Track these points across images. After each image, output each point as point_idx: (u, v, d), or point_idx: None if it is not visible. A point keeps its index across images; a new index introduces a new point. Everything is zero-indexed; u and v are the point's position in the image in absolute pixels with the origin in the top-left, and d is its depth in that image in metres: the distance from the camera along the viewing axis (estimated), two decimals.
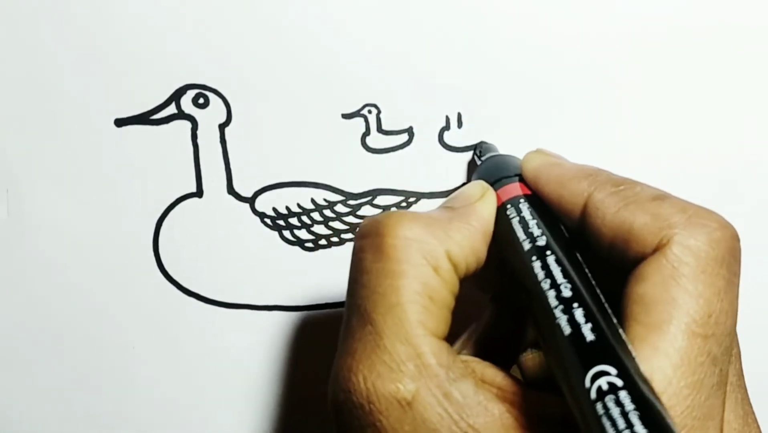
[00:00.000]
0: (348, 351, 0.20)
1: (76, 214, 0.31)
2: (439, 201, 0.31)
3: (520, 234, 0.22)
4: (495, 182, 0.25)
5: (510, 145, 0.30)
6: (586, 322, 0.18)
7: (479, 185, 0.24)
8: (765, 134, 0.31)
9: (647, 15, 0.30)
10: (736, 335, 0.21)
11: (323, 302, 0.32)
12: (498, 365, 0.23)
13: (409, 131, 0.31)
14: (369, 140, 0.31)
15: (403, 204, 0.31)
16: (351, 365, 0.20)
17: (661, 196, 0.20)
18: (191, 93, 0.30)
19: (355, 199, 0.31)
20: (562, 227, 0.23)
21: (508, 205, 0.23)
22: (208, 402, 0.32)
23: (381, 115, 0.30)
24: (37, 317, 0.32)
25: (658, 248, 0.19)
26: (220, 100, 0.30)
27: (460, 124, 0.30)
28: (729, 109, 0.31)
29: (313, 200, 0.31)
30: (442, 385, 0.19)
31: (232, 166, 0.31)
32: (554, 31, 0.30)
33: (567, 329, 0.18)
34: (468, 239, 0.22)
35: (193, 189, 0.31)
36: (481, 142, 0.30)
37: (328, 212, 0.31)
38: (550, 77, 0.30)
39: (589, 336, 0.18)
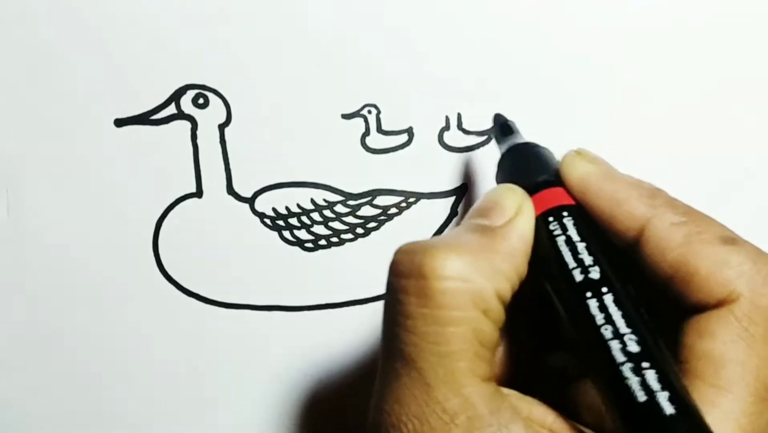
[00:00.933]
0: (394, 398, 0.19)
1: (75, 214, 0.31)
2: (439, 201, 0.31)
3: (569, 260, 0.19)
4: (530, 184, 0.22)
5: None
6: (663, 389, 0.16)
7: (513, 193, 0.22)
8: (766, 135, 0.31)
9: (648, 14, 0.30)
10: None
11: (323, 302, 0.32)
12: (519, 371, 0.23)
13: (409, 131, 0.31)
14: (369, 140, 0.31)
15: (403, 204, 0.31)
16: (399, 414, 0.19)
17: (729, 240, 0.19)
18: (191, 93, 0.30)
19: (355, 200, 0.31)
20: (613, 254, 0.20)
21: (551, 219, 0.21)
22: (208, 402, 0.32)
23: (381, 115, 0.30)
24: (37, 317, 0.32)
25: (725, 302, 0.18)
26: (219, 101, 0.30)
27: (460, 124, 0.30)
28: (729, 108, 0.31)
29: (312, 200, 0.31)
30: None
31: (231, 166, 0.31)
32: (555, 30, 0.30)
33: (641, 396, 0.16)
34: (513, 266, 0.20)
35: (193, 189, 0.31)
36: (497, 116, 0.28)
37: (327, 213, 0.31)
38: (551, 77, 0.30)
39: (668, 409, 0.16)
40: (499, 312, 0.20)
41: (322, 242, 0.31)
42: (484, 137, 0.30)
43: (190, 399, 0.32)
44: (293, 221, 0.31)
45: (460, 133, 0.30)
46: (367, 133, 0.30)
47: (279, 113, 0.30)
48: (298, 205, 0.31)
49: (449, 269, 0.19)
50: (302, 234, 0.31)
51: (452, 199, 0.31)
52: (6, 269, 0.31)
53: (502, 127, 0.27)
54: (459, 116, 0.30)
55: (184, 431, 0.33)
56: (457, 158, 0.31)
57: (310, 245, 0.31)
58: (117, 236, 0.31)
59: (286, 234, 0.31)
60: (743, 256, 0.19)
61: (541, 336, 0.24)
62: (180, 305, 0.32)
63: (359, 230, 0.31)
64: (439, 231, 0.31)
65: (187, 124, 0.30)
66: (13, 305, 0.32)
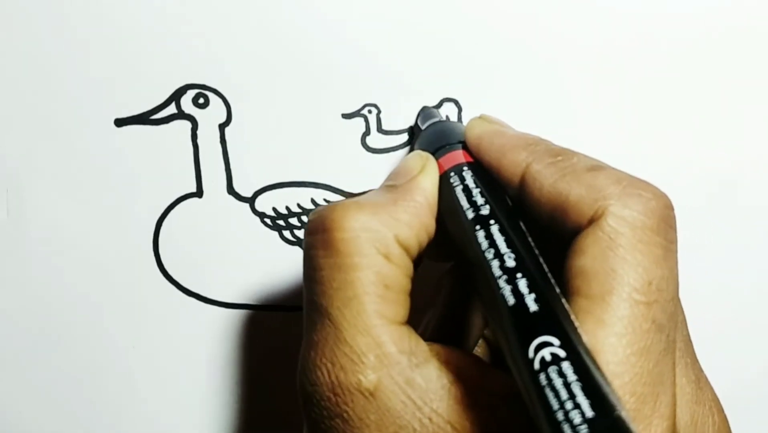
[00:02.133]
0: (311, 345, 0.20)
1: (76, 214, 0.31)
2: None
3: (464, 202, 0.21)
4: (437, 150, 0.24)
5: None
6: (530, 292, 0.18)
7: (418, 156, 0.24)
8: (765, 134, 0.31)
9: (648, 13, 0.30)
10: (680, 301, 0.21)
11: None
12: (465, 342, 0.24)
13: (410, 131, 0.31)
14: (369, 140, 0.31)
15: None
16: (314, 359, 0.20)
17: (596, 167, 0.20)
18: (191, 93, 0.30)
19: None
20: (506, 197, 0.22)
21: (451, 174, 0.23)
22: (208, 402, 0.32)
23: (381, 115, 0.30)
24: (37, 317, 0.32)
25: (593, 220, 0.19)
26: (220, 100, 0.30)
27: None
28: (730, 108, 0.31)
29: (313, 200, 0.31)
30: (404, 372, 0.19)
31: (232, 166, 0.31)
32: (554, 31, 0.30)
33: (511, 300, 0.18)
34: (415, 217, 0.21)
35: (193, 189, 0.31)
36: (423, 108, 0.30)
37: None
38: (551, 78, 0.30)
39: (533, 306, 0.18)
40: (402, 257, 0.21)
41: None
42: None
43: (190, 399, 0.32)
44: (293, 220, 0.31)
45: None
46: (367, 132, 0.30)
47: (279, 113, 0.30)
48: (299, 205, 0.31)
49: (350, 220, 0.20)
50: (302, 234, 0.31)
51: None
52: (6, 269, 0.31)
53: (424, 113, 0.29)
54: (459, 116, 0.30)
55: (184, 431, 0.33)
56: None
57: None
58: (117, 235, 0.31)
59: (287, 234, 0.31)
60: (608, 178, 0.20)
61: (473, 300, 0.26)
62: (180, 305, 0.32)
63: None
64: None
65: (188, 124, 0.30)
66: (13, 305, 0.32)
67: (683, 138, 0.31)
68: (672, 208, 0.20)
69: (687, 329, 0.22)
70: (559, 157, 0.21)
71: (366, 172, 0.31)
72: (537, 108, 0.30)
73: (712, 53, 0.30)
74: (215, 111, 0.30)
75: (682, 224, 0.20)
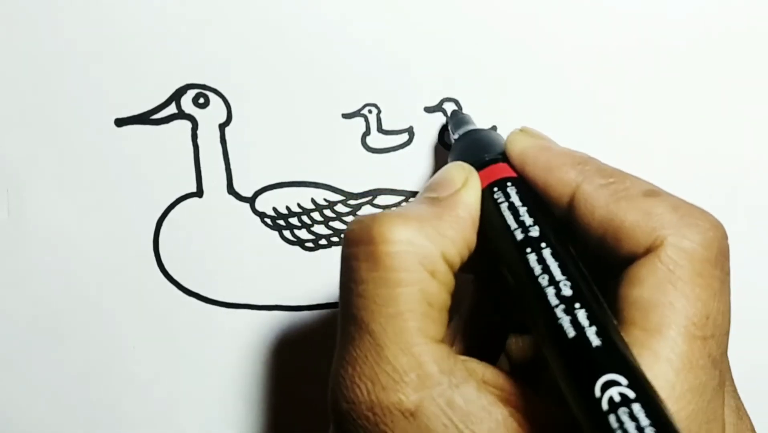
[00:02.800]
0: (348, 361, 0.20)
1: (76, 214, 0.31)
2: None
3: (511, 222, 0.21)
4: (477, 162, 0.24)
5: None
6: (590, 324, 0.17)
7: (461, 169, 0.23)
8: (766, 135, 0.31)
9: (648, 14, 0.30)
10: None
11: (323, 302, 0.32)
12: (487, 352, 0.24)
13: (410, 131, 0.31)
14: (369, 140, 0.31)
15: (404, 204, 0.31)
16: (353, 376, 0.19)
17: (651, 192, 0.20)
18: (191, 93, 0.30)
19: (356, 199, 0.31)
20: (554, 217, 0.22)
21: (495, 189, 0.22)
22: (208, 402, 0.32)
23: (381, 115, 0.30)
24: (37, 317, 0.32)
25: (651, 249, 0.19)
26: (220, 100, 0.30)
27: None
28: (730, 110, 0.31)
29: (313, 200, 0.31)
30: (445, 393, 0.19)
31: (232, 166, 0.31)
32: (555, 32, 0.30)
33: (571, 332, 0.17)
34: (460, 232, 0.21)
35: (194, 189, 0.31)
36: (455, 112, 0.30)
37: (328, 212, 0.31)
38: (552, 79, 0.30)
39: (595, 341, 0.17)
40: (446, 274, 0.20)
41: (323, 242, 0.31)
42: None
43: (189, 399, 0.32)
44: (294, 220, 0.31)
45: None
46: (367, 132, 0.30)
47: (279, 113, 0.30)
48: (299, 205, 0.31)
49: (397, 233, 0.20)
50: (303, 234, 0.31)
51: None
52: (6, 269, 0.31)
53: (455, 118, 0.29)
54: None
55: (184, 430, 0.33)
56: None
57: (310, 244, 0.31)
58: (117, 235, 0.31)
59: (287, 234, 0.31)
60: (665, 205, 0.20)
61: (499, 311, 0.25)
62: (180, 305, 0.32)
63: None
64: None
65: (188, 124, 0.30)
66: (13, 305, 0.32)
67: (683, 138, 0.31)
68: (727, 238, 0.20)
69: (727, 357, 0.21)
70: (611, 179, 0.21)
71: (366, 172, 0.31)
72: (537, 108, 0.30)
73: (713, 54, 0.30)
74: (215, 111, 0.30)
75: None
